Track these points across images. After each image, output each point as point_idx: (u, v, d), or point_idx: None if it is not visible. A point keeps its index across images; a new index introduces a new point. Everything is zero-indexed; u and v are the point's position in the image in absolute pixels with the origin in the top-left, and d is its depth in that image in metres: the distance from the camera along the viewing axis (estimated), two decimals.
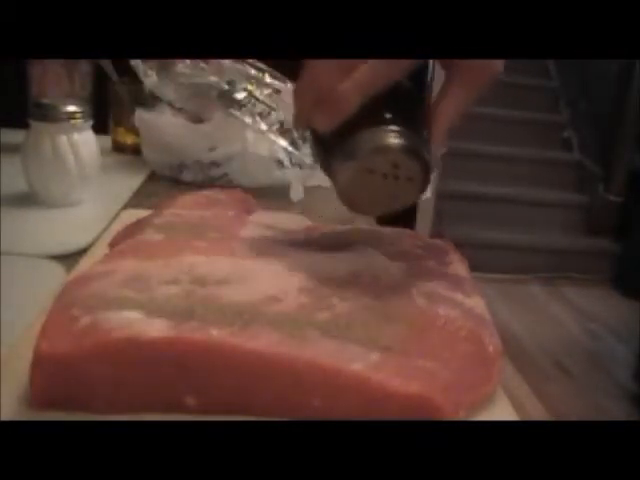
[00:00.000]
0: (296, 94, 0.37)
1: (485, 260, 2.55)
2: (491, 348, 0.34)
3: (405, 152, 0.36)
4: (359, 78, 0.35)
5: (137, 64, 0.78)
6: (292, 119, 0.38)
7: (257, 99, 0.74)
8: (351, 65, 0.35)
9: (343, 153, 0.37)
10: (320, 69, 0.35)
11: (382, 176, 0.37)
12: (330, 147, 0.38)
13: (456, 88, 0.38)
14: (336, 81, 0.35)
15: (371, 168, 0.37)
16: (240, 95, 0.73)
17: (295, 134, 0.73)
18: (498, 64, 0.37)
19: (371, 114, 0.36)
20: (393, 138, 0.36)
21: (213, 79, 0.74)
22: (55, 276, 0.45)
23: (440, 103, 0.39)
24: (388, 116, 0.37)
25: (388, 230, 0.49)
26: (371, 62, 0.35)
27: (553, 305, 2.55)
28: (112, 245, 0.45)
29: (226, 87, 0.74)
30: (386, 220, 0.57)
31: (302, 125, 0.38)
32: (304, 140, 0.73)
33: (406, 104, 0.39)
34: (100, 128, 0.68)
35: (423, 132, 0.38)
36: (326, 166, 0.39)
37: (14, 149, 0.65)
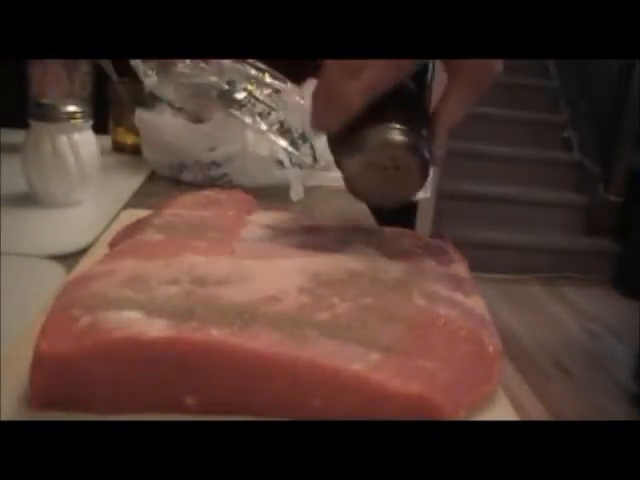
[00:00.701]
0: (312, 96, 0.40)
1: (485, 260, 2.55)
2: (491, 348, 0.34)
3: (405, 148, 0.40)
4: (364, 80, 0.37)
5: (137, 64, 0.78)
6: (309, 120, 0.41)
7: (257, 99, 0.74)
8: (359, 67, 0.37)
9: (350, 147, 0.41)
10: (330, 72, 0.38)
11: (384, 169, 0.41)
12: (340, 143, 0.42)
13: (458, 90, 0.40)
14: (345, 83, 0.38)
15: (375, 161, 0.41)
16: (240, 95, 0.73)
17: (295, 134, 0.73)
18: (498, 65, 0.39)
19: (376, 113, 0.40)
20: (395, 135, 0.40)
21: (213, 79, 0.74)
22: (55, 276, 0.45)
23: (443, 104, 0.41)
24: (391, 114, 0.40)
25: (388, 230, 0.49)
26: (376, 64, 0.37)
27: (553, 305, 2.55)
28: (112, 245, 0.45)
29: (226, 87, 0.74)
30: (386, 220, 0.57)
31: (316, 125, 0.42)
32: (304, 140, 0.73)
33: (408, 103, 0.42)
34: (100, 128, 0.68)
35: (422, 130, 0.41)
36: (337, 160, 0.43)
37: (14, 149, 0.65)
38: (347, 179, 0.42)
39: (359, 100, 0.38)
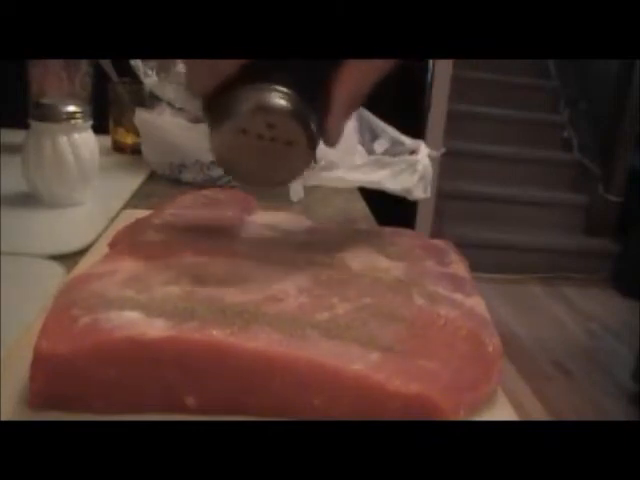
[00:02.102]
0: (186, 64, 0.36)
1: (485, 260, 2.55)
2: (491, 348, 0.34)
3: (285, 114, 0.34)
4: None
5: (137, 64, 0.78)
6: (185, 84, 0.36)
7: None
8: None
9: (221, 112, 0.35)
10: None
11: (259, 138, 0.35)
12: (213, 108, 0.36)
13: (349, 73, 0.36)
14: None
15: (248, 128, 0.34)
16: None
17: None
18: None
19: (257, 74, 0.34)
20: (273, 97, 0.34)
21: None
22: (55, 276, 0.45)
23: (341, 76, 0.36)
24: (275, 76, 0.34)
25: (388, 230, 0.49)
26: None
27: (553, 305, 2.55)
28: (112, 245, 0.45)
29: None
30: (386, 220, 0.57)
31: (190, 88, 0.36)
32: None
33: (300, 68, 0.35)
34: (100, 128, 0.68)
35: (315, 102, 0.35)
36: (209, 130, 0.36)
37: (14, 149, 0.65)
38: (215, 150, 0.36)
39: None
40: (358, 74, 0.36)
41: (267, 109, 0.34)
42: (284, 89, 0.34)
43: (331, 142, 0.38)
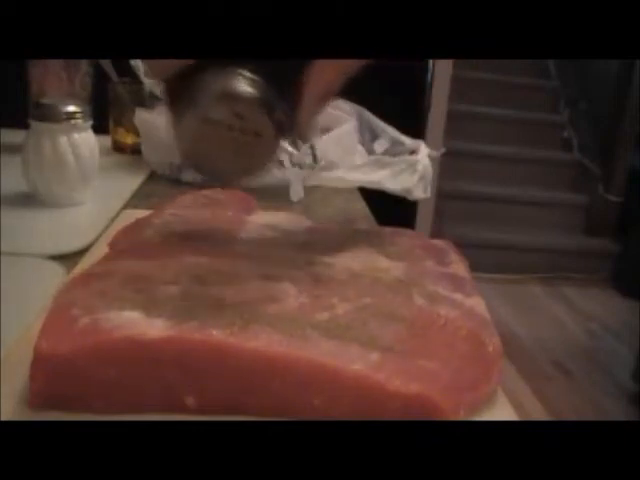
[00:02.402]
0: None
1: (485, 260, 2.55)
2: (491, 348, 0.34)
3: (252, 102, 0.32)
4: None
5: (137, 64, 0.78)
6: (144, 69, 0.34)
7: None
8: None
9: (186, 100, 0.32)
10: None
11: (227, 129, 0.32)
12: (176, 95, 0.33)
13: (320, 66, 0.35)
14: None
15: (214, 117, 0.32)
16: None
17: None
18: None
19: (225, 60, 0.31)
20: (241, 84, 0.31)
21: None
22: (55, 276, 0.45)
23: (314, 67, 0.35)
24: (244, 63, 0.32)
25: (388, 230, 0.49)
26: None
27: (553, 305, 2.55)
28: (112, 245, 0.45)
29: None
30: (386, 220, 0.57)
31: (150, 72, 0.34)
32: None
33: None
34: (100, 128, 0.68)
35: (286, 93, 0.33)
36: (172, 119, 0.34)
37: (14, 149, 0.65)
38: (180, 141, 0.33)
39: None
40: (330, 67, 0.35)
41: (233, 96, 0.31)
42: (252, 75, 0.32)
43: (303, 136, 0.36)
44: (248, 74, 0.32)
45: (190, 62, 0.32)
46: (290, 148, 0.72)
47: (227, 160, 0.34)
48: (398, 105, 1.32)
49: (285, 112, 0.33)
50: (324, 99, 0.36)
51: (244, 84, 0.31)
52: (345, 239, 0.44)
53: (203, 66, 0.32)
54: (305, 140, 0.36)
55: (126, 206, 0.63)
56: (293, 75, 0.34)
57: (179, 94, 0.33)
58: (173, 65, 0.32)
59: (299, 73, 0.34)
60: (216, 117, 0.32)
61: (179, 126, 0.33)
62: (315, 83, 0.35)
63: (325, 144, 0.72)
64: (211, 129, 0.32)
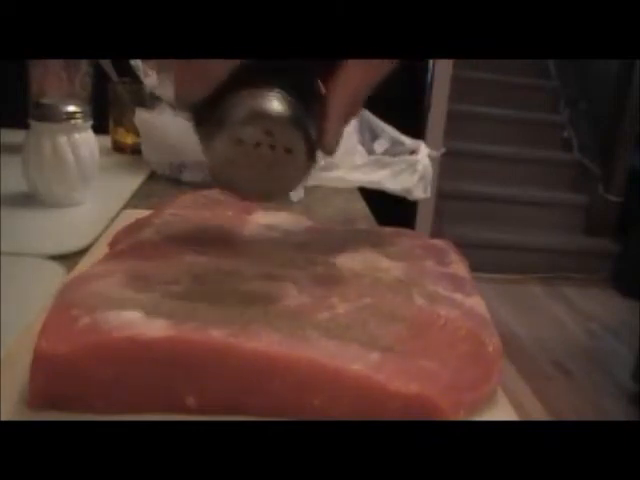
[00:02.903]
0: (176, 62, 0.34)
1: (485, 260, 2.55)
2: (491, 348, 0.34)
3: (284, 120, 0.32)
4: None
5: (137, 64, 0.78)
6: (174, 94, 0.34)
7: None
8: None
9: (215, 121, 0.32)
10: None
11: (256, 147, 0.32)
12: (205, 118, 0.33)
13: (356, 66, 0.35)
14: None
15: (244, 137, 0.32)
16: None
17: None
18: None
19: (251, 79, 0.32)
20: (271, 103, 0.31)
21: None
22: (55, 276, 0.45)
23: (338, 82, 0.35)
24: (270, 81, 0.32)
25: (388, 230, 0.49)
26: None
27: (553, 305, 2.55)
28: (112, 245, 0.45)
29: None
30: (386, 220, 0.57)
31: (179, 96, 0.34)
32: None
33: (295, 72, 0.34)
34: (100, 128, 0.68)
35: (311, 108, 0.34)
36: (202, 143, 0.34)
37: (14, 149, 0.65)
38: (211, 165, 0.34)
39: (225, 62, 0.31)
40: (355, 78, 0.35)
41: (263, 115, 0.32)
42: (279, 93, 0.32)
43: (328, 150, 0.36)
44: (274, 92, 0.32)
45: (218, 86, 0.32)
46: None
47: (260, 179, 0.34)
48: (398, 105, 1.32)
49: (314, 127, 0.33)
50: (351, 111, 0.36)
51: (272, 102, 0.31)
52: (345, 239, 0.44)
53: (230, 89, 0.32)
54: (330, 153, 0.36)
55: (126, 206, 0.63)
56: (318, 88, 0.34)
57: (207, 118, 0.33)
58: (202, 90, 0.32)
59: (323, 85, 0.34)
60: (247, 137, 0.32)
61: (210, 149, 0.33)
62: (341, 95, 0.35)
63: None
64: (242, 150, 0.32)
